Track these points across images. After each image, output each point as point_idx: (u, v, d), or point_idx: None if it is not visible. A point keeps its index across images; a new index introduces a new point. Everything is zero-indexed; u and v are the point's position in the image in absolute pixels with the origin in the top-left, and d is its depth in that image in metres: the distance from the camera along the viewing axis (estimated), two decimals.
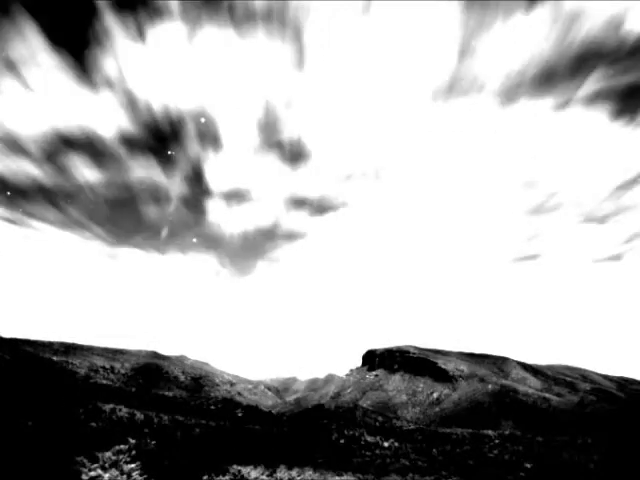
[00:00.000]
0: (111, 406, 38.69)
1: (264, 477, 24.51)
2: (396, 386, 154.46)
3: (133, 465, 20.50)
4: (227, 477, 22.76)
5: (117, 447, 22.40)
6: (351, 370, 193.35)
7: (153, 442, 26.93)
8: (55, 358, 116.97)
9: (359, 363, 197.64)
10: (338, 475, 29.40)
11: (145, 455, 23.09)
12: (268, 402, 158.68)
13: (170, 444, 28.77)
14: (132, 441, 24.77)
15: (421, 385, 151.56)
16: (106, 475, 18.79)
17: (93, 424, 28.08)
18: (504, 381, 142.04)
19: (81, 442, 22.93)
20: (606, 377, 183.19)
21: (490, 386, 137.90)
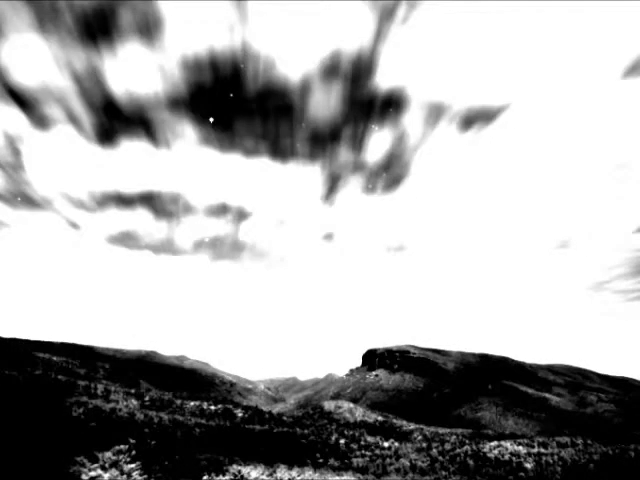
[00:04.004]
0: (111, 406, 38.68)
1: (264, 477, 24.50)
2: (396, 386, 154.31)
3: (133, 465, 20.50)
4: (227, 477, 22.76)
5: (117, 447, 22.41)
6: (351, 370, 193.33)
7: (153, 442, 26.94)
8: (55, 358, 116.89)
9: (359, 363, 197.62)
10: (338, 475, 29.39)
11: (145, 455, 23.08)
12: (268, 402, 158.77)
13: (170, 444, 28.76)
14: (132, 441, 24.79)
15: (421, 385, 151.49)
16: (106, 475, 18.79)
17: (93, 424, 28.06)
18: (504, 381, 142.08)
19: (81, 442, 22.92)
20: (606, 377, 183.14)
21: (490, 386, 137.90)
